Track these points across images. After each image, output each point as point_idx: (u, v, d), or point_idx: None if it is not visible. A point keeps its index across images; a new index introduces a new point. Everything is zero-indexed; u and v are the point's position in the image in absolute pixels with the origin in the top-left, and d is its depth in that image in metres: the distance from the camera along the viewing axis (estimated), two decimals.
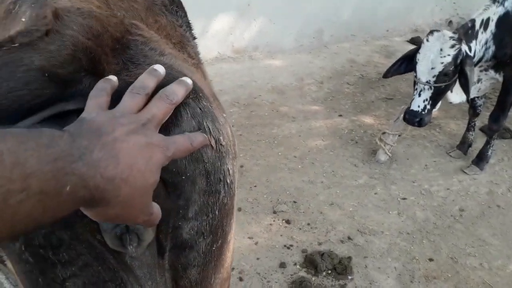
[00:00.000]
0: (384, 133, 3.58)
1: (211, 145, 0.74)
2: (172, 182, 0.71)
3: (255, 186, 3.31)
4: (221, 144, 0.76)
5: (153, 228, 0.72)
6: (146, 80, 0.68)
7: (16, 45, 0.65)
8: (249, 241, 2.80)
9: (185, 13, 1.13)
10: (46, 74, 0.64)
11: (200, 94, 0.75)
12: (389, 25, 5.98)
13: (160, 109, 0.67)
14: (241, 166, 3.53)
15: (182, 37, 0.99)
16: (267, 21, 5.32)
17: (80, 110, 0.66)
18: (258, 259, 2.68)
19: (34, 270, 0.71)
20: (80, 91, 0.67)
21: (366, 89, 4.82)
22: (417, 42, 5.76)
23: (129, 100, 0.66)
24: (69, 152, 0.53)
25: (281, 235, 2.87)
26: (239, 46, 5.33)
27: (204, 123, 0.73)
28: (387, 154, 3.54)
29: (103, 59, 0.69)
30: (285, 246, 2.79)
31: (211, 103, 0.77)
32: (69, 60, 0.66)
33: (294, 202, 3.18)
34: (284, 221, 2.99)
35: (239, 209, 3.05)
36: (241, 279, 2.54)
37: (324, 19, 5.49)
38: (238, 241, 2.77)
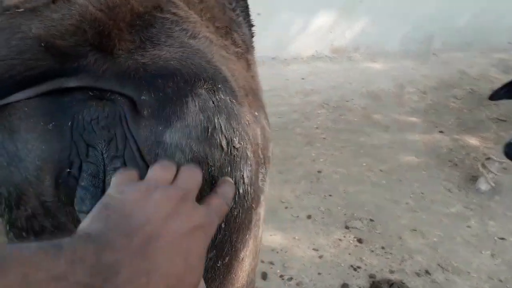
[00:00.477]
0: (489, 158, 3.11)
1: (221, 146, 0.64)
2: None
3: (330, 195, 3.09)
4: (234, 147, 0.65)
5: None
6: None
7: (21, 10, 0.61)
8: (313, 253, 2.60)
9: None
10: (43, 44, 0.58)
11: (219, 86, 0.64)
12: None
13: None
14: (319, 172, 3.32)
15: (231, 22, 0.90)
16: (372, 21, 4.99)
17: (82, 88, 0.60)
18: (319, 274, 2.47)
19: None
20: (83, 67, 0.59)
21: (475, 105, 4.29)
22: None
23: (160, 170, 0.56)
24: (90, 278, 0.42)
25: (349, 254, 2.62)
26: (339, 46, 5.07)
27: (215, 119, 0.63)
28: (490, 184, 3.07)
29: (115, 34, 0.61)
30: (351, 266, 2.54)
31: (236, 97, 0.66)
32: (71, 31, 0.59)
33: (371, 220, 2.90)
34: (356, 239, 2.73)
35: (309, 217, 2.86)
36: None
37: (436, 24, 5.00)
38: (301, 251, 2.59)
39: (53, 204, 0.60)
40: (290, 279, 2.40)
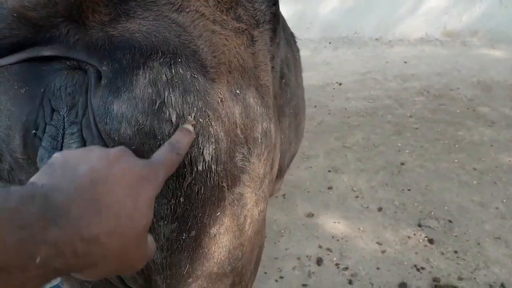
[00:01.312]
0: None
1: (170, 121, 0.64)
2: None
3: (408, 190, 2.93)
4: (183, 122, 0.66)
5: None
6: None
7: None
8: (376, 247, 2.52)
9: None
10: (15, 15, 0.63)
11: (179, 59, 0.65)
12: None
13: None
14: (402, 164, 3.15)
15: None
16: (497, 3, 4.43)
17: (56, 57, 0.65)
18: (378, 269, 2.40)
19: None
20: (56, 38, 0.64)
21: None
22: None
23: None
24: (41, 214, 0.44)
25: (416, 253, 2.49)
26: (452, 29, 4.63)
27: (165, 93, 0.63)
28: None
29: (88, 7, 0.64)
30: (415, 266, 2.41)
31: (206, 73, 0.67)
32: (42, 3, 0.63)
33: (449, 221, 2.69)
34: (426, 238, 2.57)
35: (380, 209, 2.76)
36: (350, 282, 2.33)
37: None
38: (363, 242, 2.53)
39: (24, 161, 0.67)
40: (346, 268, 2.37)
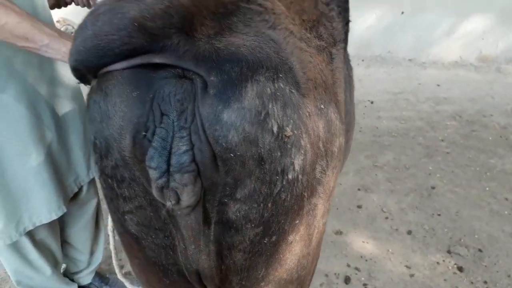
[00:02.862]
0: None
1: (272, 131, 0.69)
2: (220, 156, 0.70)
3: (438, 215, 2.91)
4: (285, 135, 0.70)
5: (194, 193, 0.74)
6: None
7: None
8: (404, 270, 2.51)
9: None
10: (136, 24, 0.68)
11: (280, 75, 0.69)
12: None
13: None
14: (432, 188, 3.14)
15: (321, 16, 0.91)
16: None
17: (166, 65, 0.70)
18: None
19: (106, 195, 0.84)
20: (168, 47, 0.69)
21: None
22: None
23: None
24: None
25: (445, 280, 2.47)
26: (488, 54, 4.59)
27: (270, 106, 0.68)
28: None
29: (198, 20, 0.69)
30: None
31: (299, 88, 0.71)
32: (160, 15, 0.68)
33: (479, 250, 2.66)
34: (456, 266, 2.55)
35: (409, 232, 2.75)
36: None
37: None
38: (392, 264, 2.52)
39: (130, 159, 0.72)
40: None
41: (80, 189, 1.87)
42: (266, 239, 0.79)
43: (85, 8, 1.96)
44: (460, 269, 2.54)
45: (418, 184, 3.18)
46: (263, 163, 0.70)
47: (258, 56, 0.68)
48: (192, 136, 0.69)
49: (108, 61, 0.71)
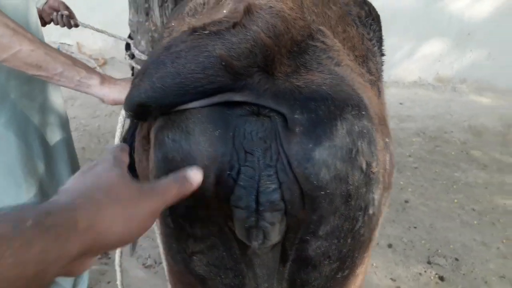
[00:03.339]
0: None
1: (361, 168, 0.69)
2: (309, 194, 0.69)
3: (415, 227, 3.03)
4: (371, 171, 0.71)
5: (280, 232, 0.72)
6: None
7: (206, 32, 0.72)
8: (390, 283, 2.58)
9: (380, 27, 1.08)
10: (223, 63, 0.68)
11: (363, 113, 0.71)
12: None
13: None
14: (406, 202, 3.27)
15: (368, 51, 0.95)
16: (486, 54, 4.76)
17: (245, 103, 0.70)
18: None
19: (172, 235, 0.79)
20: (249, 85, 0.70)
21: None
22: None
23: None
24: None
25: None
26: (444, 75, 4.91)
27: (359, 143, 0.69)
28: None
29: (277, 59, 0.70)
30: None
31: (374, 124, 0.72)
32: (246, 54, 0.68)
33: (456, 259, 2.79)
34: (437, 276, 2.66)
35: (390, 246, 2.84)
36: None
37: None
38: (378, 278, 2.58)
39: (211, 199, 0.70)
40: None
41: None
42: (340, 274, 0.79)
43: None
44: (441, 278, 2.65)
45: (392, 198, 3.30)
46: (349, 199, 0.70)
47: (341, 94, 0.70)
48: (279, 174, 0.68)
49: (188, 99, 0.70)
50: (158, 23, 2.14)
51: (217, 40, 0.69)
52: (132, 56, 1.71)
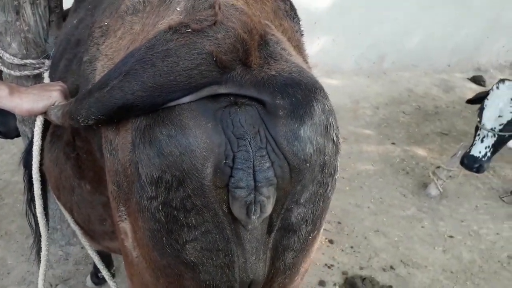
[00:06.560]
0: (438, 167, 3.53)
1: (333, 140, 0.81)
2: (297, 168, 0.78)
3: None
4: (338, 141, 0.83)
5: (272, 204, 0.79)
6: None
7: (190, 30, 0.76)
8: None
9: (299, 20, 1.20)
10: (214, 59, 0.73)
11: (327, 93, 0.83)
12: (452, 60, 5.88)
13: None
14: None
15: (299, 42, 1.07)
16: (331, 40, 5.37)
17: (229, 95, 0.75)
18: None
19: (162, 229, 0.80)
20: (232, 78, 0.75)
21: (421, 120, 4.77)
22: (478, 81, 5.64)
23: None
24: None
25: (323, 254, 2.88)
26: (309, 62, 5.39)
27: (330, 119, 0.80)
28: (439, 189, 3.48)
29: (252, 52, 0.77)
30: (326, 265, 2.80)
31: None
32: (231, 49, 0.74)
33: (339, 223, 3.19)
34: (327, 240, 3.00)
35: None
36: None
37: (387, 45, 5.48)
38: None
39: (208, 187, 0.74)
40: None
41: None
42: (311, 235, 0.89)
43: None
44: (331, 241, 3.00)
45: None
46: (324, 168, 0.81)
47: (309, 80, 0.80)
48: (270, 154, 0.75)
49: (180, 95, 0.73)
50: (32, 23, 1.95)
51: (204, 38, 0.74)
52: None
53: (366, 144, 4.29)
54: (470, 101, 3.20)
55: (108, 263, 2.35)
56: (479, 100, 3.08)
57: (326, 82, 5.38)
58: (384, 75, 5.57)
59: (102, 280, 2.42)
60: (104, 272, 1.56)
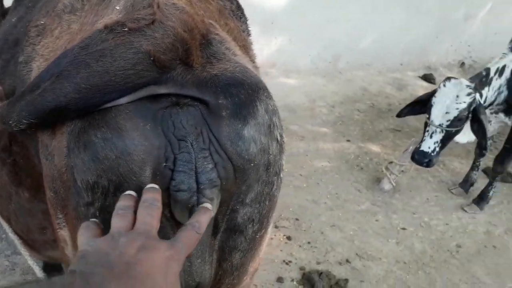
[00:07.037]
0: (391, 162, 3.66)
1: (277, 139, 0.81)
2: (242, 168, 0.78)
3: None
4: (283, 140, 0.84)
5: (216, 206, 0.79)
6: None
7: (126, 29, 0.74)
8: None
9: (247, 20, 1.20)
10: (152, 58, 0.71)
11: (270, 93, 0.83)
12: (404, 59, 6.10)
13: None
14: None
15: (245, 41, 1.07)
16: (287, 40, 5.44)
17: (170, 95, 0.74)
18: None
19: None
20: (172, 78, 0.74)
21: (375, 118, 4.92)
22: (429, 79, 5.87)
23: (118, 220, 0.69)
24: None
25: (281, 250, 2.93)
26: (257, 62, 5.42)
27: (274, 119, 0.81)
28: (391, 184, 3.61)
29: (194, 52, 0.76)
30: (284, 261, 2.84)
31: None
32: (170, 48, 0.73)
33: (296, 219, 3.24)
34: (285, 236, 3.05)
35: None
36: None
37: (342, 45, 5.61)
38: None
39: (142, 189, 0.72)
40: None
41: None
42: (258, 234, 0.89)
43: None
44: (289, 238, 3.04)
45: None
46: (269, 167, 0.81)
47: (252, 80, 0.80)
48: (213, 155, 0.75)
49: (116, 96, 0.71)
50: None
51: (141, 37, 0.72)
52: None
53: (323, 141, 4.38)
54: (398, 115, 3.39)
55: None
56: (406, 112, 3.31)
57: (284, 81, 5.46)
58: (340, 74, 5.70)
59: None
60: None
